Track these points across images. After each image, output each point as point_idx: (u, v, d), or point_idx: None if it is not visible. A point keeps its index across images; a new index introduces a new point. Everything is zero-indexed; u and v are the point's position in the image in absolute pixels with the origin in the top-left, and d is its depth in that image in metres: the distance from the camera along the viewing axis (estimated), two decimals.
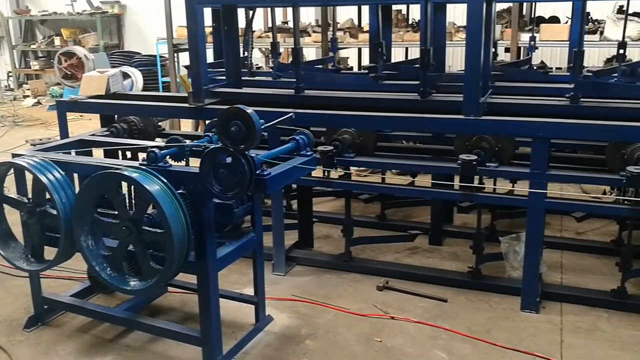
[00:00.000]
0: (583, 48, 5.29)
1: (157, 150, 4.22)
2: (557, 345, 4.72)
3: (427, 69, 5.53)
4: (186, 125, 11.93)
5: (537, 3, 9.40)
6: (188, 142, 4.57)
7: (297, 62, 5.97)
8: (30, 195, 4.62)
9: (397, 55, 11.40)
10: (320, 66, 8.72)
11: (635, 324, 5.00)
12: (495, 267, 5.80)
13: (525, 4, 10.87)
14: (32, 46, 19.89)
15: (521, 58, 9.66)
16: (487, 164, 5.14)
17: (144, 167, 4.16)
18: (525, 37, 9.66)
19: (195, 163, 4.21)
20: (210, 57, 7.11)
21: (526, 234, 5.18)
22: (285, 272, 5.98)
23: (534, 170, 4.96)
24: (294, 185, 6.63)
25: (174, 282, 5.01)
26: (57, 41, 18.92)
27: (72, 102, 6.65)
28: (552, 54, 12.89)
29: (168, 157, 4.35)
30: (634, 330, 4.91)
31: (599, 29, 10.13)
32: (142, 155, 5.01)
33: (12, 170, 4.66)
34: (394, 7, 10.22)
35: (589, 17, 10.21)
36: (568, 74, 6.40)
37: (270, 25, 10.58)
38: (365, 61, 11.73)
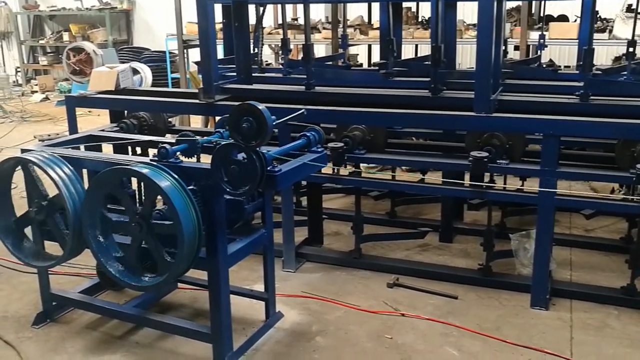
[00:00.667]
0: (593, 46, 5.28)
1: (168, 146, 4.23)
2: (567, 342, 4.72)
3: (438, 66, 5.52)
4: (196, 122, 11.93)
5: (546, 2, 9.35)
6: (199, 138, 4.56)
7: (308, 58, 5.97)
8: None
9: (407, 52, 11.38)
10: (331, 63, 8.70)
11: None
12: (506, 265, 5.80)
13: (534, 2, 10.82)
14: (41, 41, 19.93)
15: (530, 56, 9.63)
16: (498, 161, 5.13)
17: (154, 163, 4.16)
18: (534, 36, 9.64)
19: (206, 159, 4.21)
20: (220, 53, 7.11)
21: (536, 231, 5.18)
22: (295, 269, 5.98)
23: (544, 168, 4.96)
24: (304, 182, 6.63)
25: (184, 278, 4.99)
26: (65, 37, 18.92)
27: (82, 97, 6.66)
28: (561, 52, 12.85)
29: (179, 153, 4.35)
30: None
31: (608, 28, 10.09)
32: (152, 151, 5.01)
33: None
34: (404, 4, 10.18)
35: (598, 15, 10.16)
36: (577, 72, 6.38)
37: (280, 21, 10.59)
38: (375, 58, 11.73)
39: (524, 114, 5.11)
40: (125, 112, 6.60)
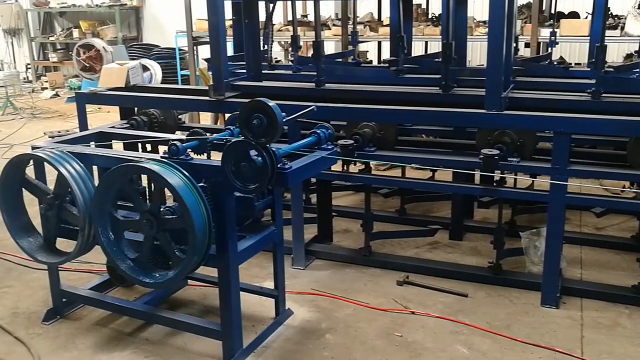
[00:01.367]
0: (605, 43, 5.25)
1: (178, 143, 4.23)
2: (577, 341, 4.70)
3: (449, 63, 5.50)
4: (205, 119, 11.95)
5: None
6: (209, 135, 4.56)
7: (318, 55, 5.97)
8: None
9: (417, 49, 11.35)
10: (341, 60, 8.69)
11: None
12: (516, 262, 5.78)
13: None
14: (51, 38, 20.00)
15: (541, 53, 9.59)
16: (508, 159, 5.11)
17: (165, 160, 4.16)
18: (545, 33, 9.59)
19: (216, 156, 4.21)
20: (230, 50, 7.11)
21: (546, 229, 5.16)
22: (304, 266, 5.98)
23: (555, 165, 4.93)
24: (313, 179, 6.62)
25: (194, 275, 5.00)
26: (75, 33, 18.97)
27: (92, 94, 6.67)
28: (571, 49, 12.79)
29: (189, 150, 4.35)
30: None
31: (620, 25, 10.02)
32: (162, 148, 5.01)
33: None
34: (414, 1, 10.16)
35: (610, 12, 10.10)
36: (588, 69, 6.34)
37: (290, 18, 10.57)
38: (385, 55, 11.70)
39: (535, 111, 5.09)
40: (135, 109, 6.61)
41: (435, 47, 10.55)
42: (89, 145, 5.20)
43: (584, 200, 5.69)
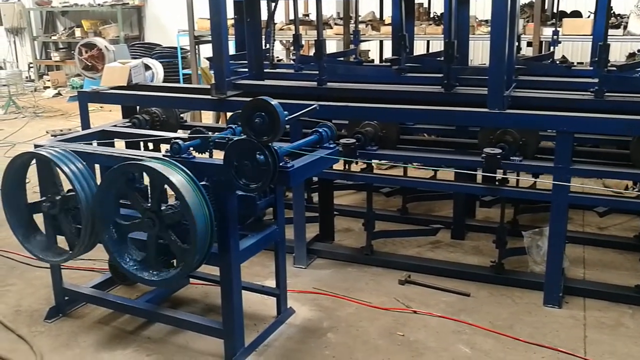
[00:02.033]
0: (608, 42, 5.24)
1: (180, 142, 4.23)
2: (580, 341, 4.68)
3: (451, 62, 5.49)
4: (207, 118, 11.95)
5: None
6: (211, 134, 4.56)
7: (320, 54, 5.96)
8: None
9: (418, 48, 11.33)
10: (342, 59, 8.69)
11: None
12: (518, 262, 5.77)
13: None
14: (53, 37, 20.05)
15: (543, 52, 9.58)
16: (511, 158, 5.10)
17: (167, 159, 4.16)
18: (547, 32, 9.59)
19: (218, 155, 4.20)
20: (232, 49, 7.10)
21: (549, 228, 5.14)
22: (306, 265, 5.98)
23: (558, 165, 4.92)
24: (315, 178, 6.62)
25: (196, 273, 5.02)
26: (77, 32, 19.02)
27: (94, 92, 6.67)
28: (573, 48, 12.77)
29: (192, 148, 4.35)
30: None
31: (622, 24, 10.01)
32: (164, 147, 5.01)
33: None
34: (416, 0, 10.17)
35: (612, 11, 10.09)
36: (591, 68, 6.33)
37: (292, 17, 10.57)
38: (387, 54, 11.70)
39: (538, 110, 5.07)
40: (137, 107, 6.61)
41: (437, 46, 10.53)
42: (91, 144, 5.20)
43: (587, 199, 5.68)
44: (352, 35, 9.71)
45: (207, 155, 4.68)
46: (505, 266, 5.58)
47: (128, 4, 18.84)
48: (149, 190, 4.31)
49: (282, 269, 4.97)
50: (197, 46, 12.45)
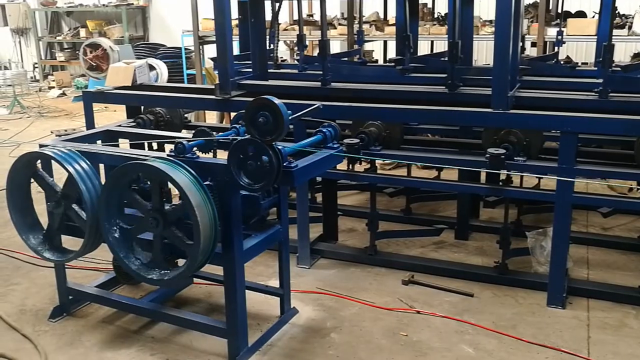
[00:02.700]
0: (612, 42, 5.23)
1: (185, 142, 4.23)
2: (584, 342, 4.68)
3: (455, 62, 5.49)
4: (211, 118, 11.96)
5: None
6: (215, 134, 4.57)
7: (324, 54, 5.96)
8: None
9: (422, 48, 11.35)
10: (346, 59, 8.69)
11: None
12: (522, 262, 5.76)
13: None
14: (58, 38, 20.08)
15: (548, 53, 9.57)
16: (515, 159, 5.10)
17: (171, 158, 4.17)
18: (551, 32, 9.57)
19: (222, 155, 4.21)
20: (236, 49, 7.11)
21: (553, 228, 5.14)
22: (309, 265, 5.98)
23: (562, 165, 4.91)
24: (319, 178, 6.62)
25: (200, 273, 5.01)
26: (82, 33, 19.06)
27: (99, 93, 6.68)
28: (578, 49, 12.76)
29: (195, 148, 4.36)
30: None
31: (627, 24, 10.00)
32: (168, 147, 5.02)
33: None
34: (420, 0, 10.15)
35: (617, 11, 10.07)
36: (595, 68, 6.32)
37: (296, 17, 10.58)
38: (391, 54, 11.70)
39: (542, 110, 5.07)
40: (142, 107, 6.62)
41: (441, 46, 10.54)
42: (96, 144, 5.21)
43: (591, 200, 5.67)
44: (356, 36, 9.71)
45: (211, 155, 4.68)
46: (509, 266, 5.58)
47: (133, 4, 18.87)
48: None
49: (286, 268, 4.97)
50: (201, 46, 12.48)
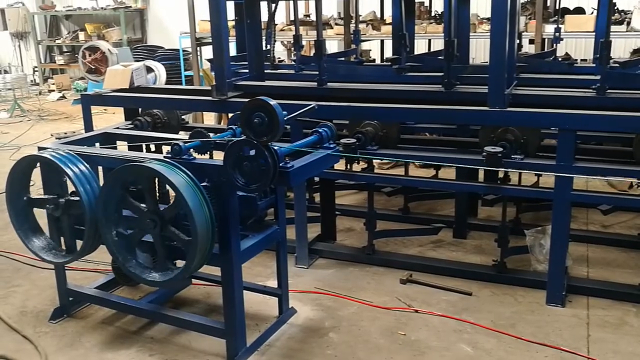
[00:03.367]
0: (610, 38, 5.22)
1: (181, 143, 4.24)
2: (583, 340, 4.67)
3: (452, 60, 5.48)
4: (209, 119, 11.96)
5: None
6: (212, 135, 4.57)
7: (320, 54, 5.95)
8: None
9: (419, 47, 11.34)
10: (343, 59, 8.69)
11: None
12: (521, 261, 5.75)
13: None
14: (57, 41, 20.14)
15: (545, 50, 9.56)
16: (512, 156, 5.09)
17: (168, 160, 4.17)
18: (549, 29, 9.56)
19: (219, 156, 4.21)
20: (232, 50, 7.11)
21: (552, 226, 5.12)
22: (307, 265, 5.98)
23: (560, 163, 4.90)
24: (316, 178, 6.62)
25: (198, 274, 5.03)
26: (81, 36, 19.09)
27: (97, 95, 6.69)
28: (577, 45, 12.75)
29: (192, 149, 4.36)
30: None
31: (626, 20, 9.99)
32: (166, 148, 5.02)
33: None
34: None
35: (615, 7, 10.08)
36: (593, 65, 6.31)
37: (292, 18, 10.57)
38: (388, 53, 11.71)
39: (539, 108, 5.06)
40: (140, 109, 6.63)
41: (439, 44, 10.51)
42: (94, 146, 5.22)
43: (590, 197, 5.66)
44: (352, 35, 9.72)
45: (207, 156, 4.68)
46: (508, 265, 5.57)
47: (131, 7, 18.91)
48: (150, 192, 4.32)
49: (284, 269, 4.97)
50: (198, 48, 12.49)
